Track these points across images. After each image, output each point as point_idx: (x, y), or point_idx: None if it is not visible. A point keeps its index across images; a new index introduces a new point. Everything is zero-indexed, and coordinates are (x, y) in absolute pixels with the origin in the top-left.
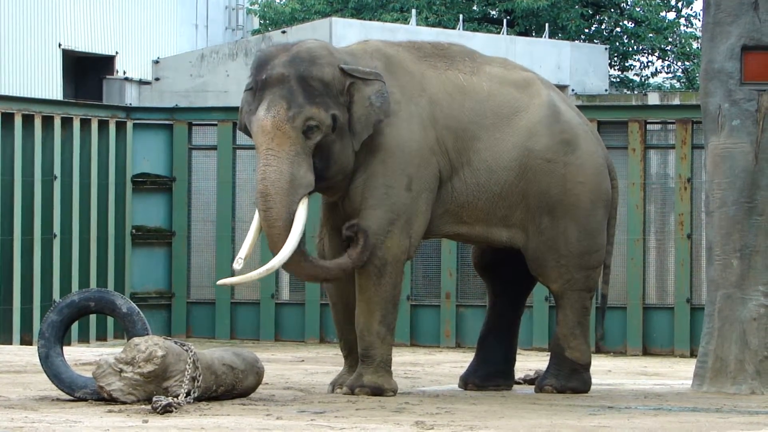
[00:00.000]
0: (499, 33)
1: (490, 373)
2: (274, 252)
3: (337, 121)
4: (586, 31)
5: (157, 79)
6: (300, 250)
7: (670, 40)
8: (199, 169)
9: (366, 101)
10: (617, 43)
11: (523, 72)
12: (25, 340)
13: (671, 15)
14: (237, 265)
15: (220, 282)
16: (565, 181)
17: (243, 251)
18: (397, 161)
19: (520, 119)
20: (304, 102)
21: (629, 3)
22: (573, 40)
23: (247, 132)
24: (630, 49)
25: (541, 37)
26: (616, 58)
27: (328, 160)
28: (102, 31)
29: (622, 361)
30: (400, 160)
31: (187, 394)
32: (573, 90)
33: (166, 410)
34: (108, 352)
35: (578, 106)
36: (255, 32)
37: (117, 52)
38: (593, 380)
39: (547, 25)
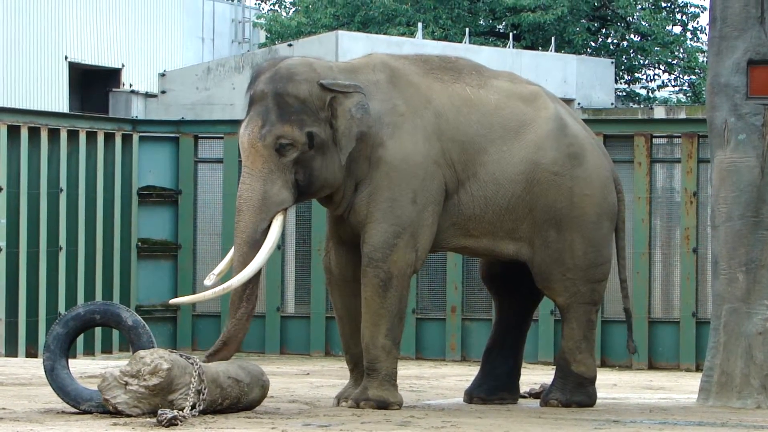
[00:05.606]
0: (505, 47)
1: (496, 387)
2: (242, 267)
3: (314, 138)
4: (593, 44)
5: (163, 92)
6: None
7: (676, 54)
8: (205, 182)
9: (347, 114)
10: (623, 57)
11: (530, 86)
12: (31, 353)
13: (677, 29)
14: (208, 281)
15: (172, 301)
16: (572, 194)
17: (218, 268)
18: (401, 174)
19: (528, 132)
20: (276, 120)
21: (635, 17)
22: (579, 53)
23: None
24: (636, 63)
25: (548, 50)
26: (622, 72)
27: (311, 176)
28: (108, 43)
29: (628, 375)
30: (405, 174)
31: (193, 407)
32: (579, 104)
33: (171, 423)
34: (113, 364)
35: (584, 120)
36: (261, 45)
37: (123, 65)
38: (598, 394)
39: (553, 39)
